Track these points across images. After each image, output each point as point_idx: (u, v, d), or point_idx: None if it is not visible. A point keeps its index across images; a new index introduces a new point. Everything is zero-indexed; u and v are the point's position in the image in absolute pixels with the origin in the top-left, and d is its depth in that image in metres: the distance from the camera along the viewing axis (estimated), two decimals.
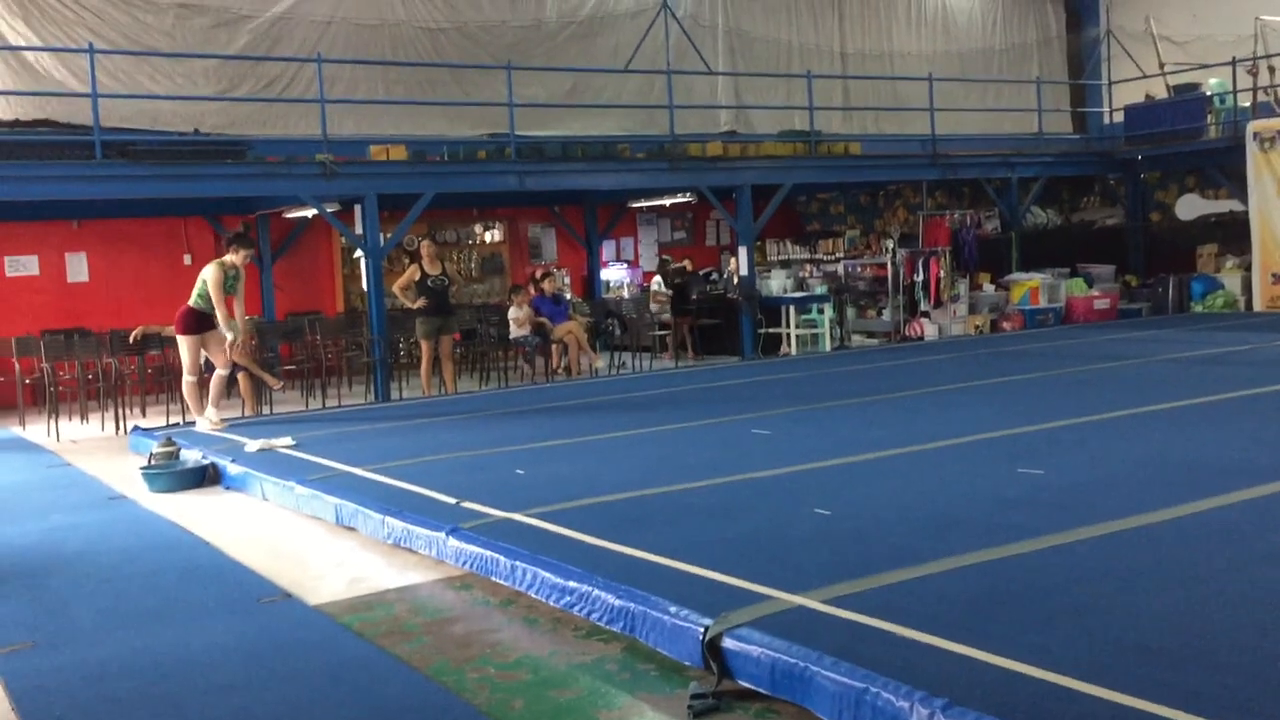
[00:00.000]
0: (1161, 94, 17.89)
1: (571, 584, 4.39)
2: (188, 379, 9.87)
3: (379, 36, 14.81)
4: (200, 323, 9.62)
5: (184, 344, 9.72)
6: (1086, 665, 3.24)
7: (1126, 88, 18.79)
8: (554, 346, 13.70)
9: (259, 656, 4.29)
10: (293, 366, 13.23)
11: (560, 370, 13.66)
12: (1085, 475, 5.94)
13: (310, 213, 13.41)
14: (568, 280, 17.56)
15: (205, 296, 9.56)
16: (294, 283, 15.61)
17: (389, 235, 13.01)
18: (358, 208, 12.14)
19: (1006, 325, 15.63)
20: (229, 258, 9.70)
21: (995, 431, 7.30)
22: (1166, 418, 7.60)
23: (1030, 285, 16.13)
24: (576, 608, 4.35)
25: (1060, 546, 4.54)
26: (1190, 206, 17.50)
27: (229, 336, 9.64)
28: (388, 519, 5.80)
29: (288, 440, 8.53)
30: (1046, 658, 3.30)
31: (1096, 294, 16.41)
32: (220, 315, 9.47)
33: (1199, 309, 16.19)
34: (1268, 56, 17.05)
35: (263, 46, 14.09)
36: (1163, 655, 3.34)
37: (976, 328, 15.45)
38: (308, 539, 6.27)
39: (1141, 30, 19.08)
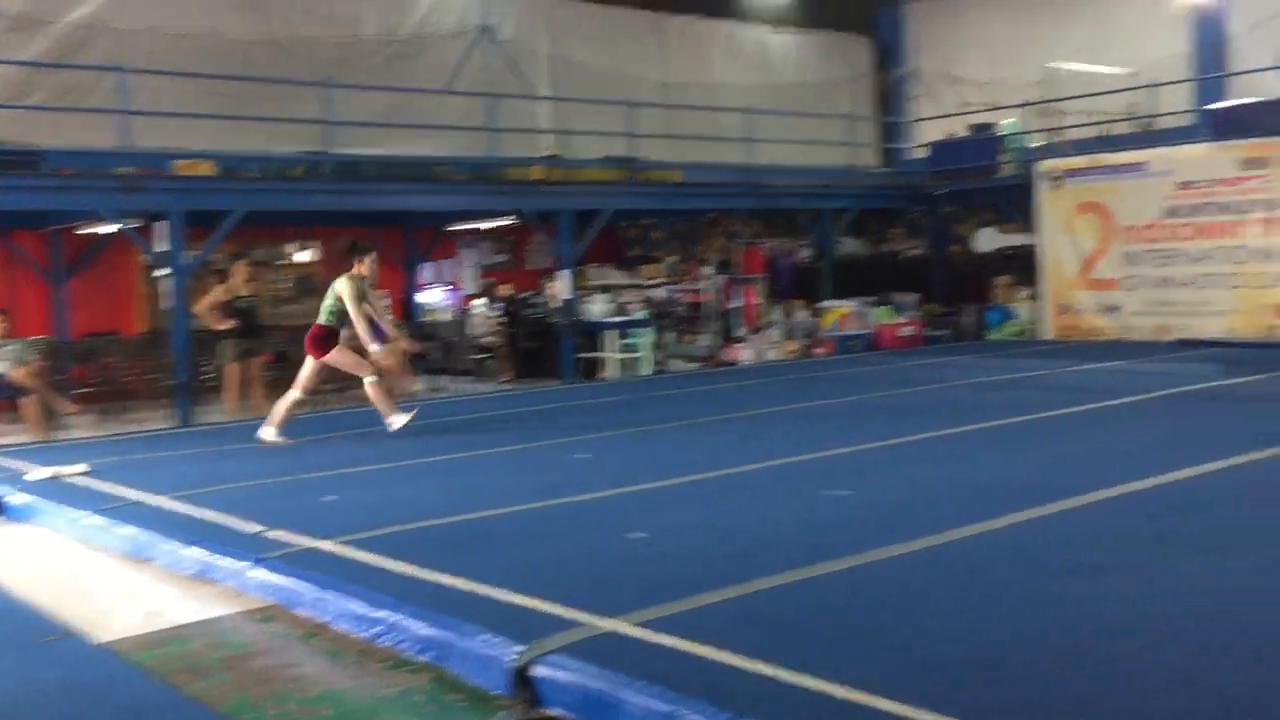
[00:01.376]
0: (962, 133, 18.86)
1: (378, 614, 4.28)
2: (297, 395, 9.32)
3: (186, 46, 14.26)
4: (330, 341, 9.21)
5: (315, 366, 9.23)
6: (887, 681, 3.34)
7: (932, 124, 19.74)
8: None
9: (40, 699, 4.01)
10: (89, 389, 12.53)
11: None
12: (891, 496, 6.16)
13: (112, 228, 12.76)
14: (387, 303, 17.22)
15: (336, 313, 9.13)
16: (93, 301, 14.82)
17: (198, 252, 12.49)
18: (162, 224, 11.62)
19: (819, 351, 16.13)
20: (356, 269, 9.21)
21: (806, 454, 7.49)
22: (965, 440, 7.96)
23: (841, 312, 16.70)
24: (383, 638, 4.24)
25: (865, 565, 4.68)
26: (988, 240, 18.52)
27: (376, 348, 9.25)
28: (187, 549, 5.54)
29: (81, 467, 8.06)
30: (850, 675, 3.39)
31: (902, 321, 17.13)
32: (361, 329, 9.05)
33: (994, 336, 17.08)
34: (1055, 100, 18.19)
35: (61, 54, 13.38)
36: (957, 669, 3.47)
37: (791, 353, 15.89)
38: (99, 573, 5.92)
39: (943, 72, 20.12)
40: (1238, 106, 15.79)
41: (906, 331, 17.00)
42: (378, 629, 4.26)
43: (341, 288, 9.10)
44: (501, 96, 15.42)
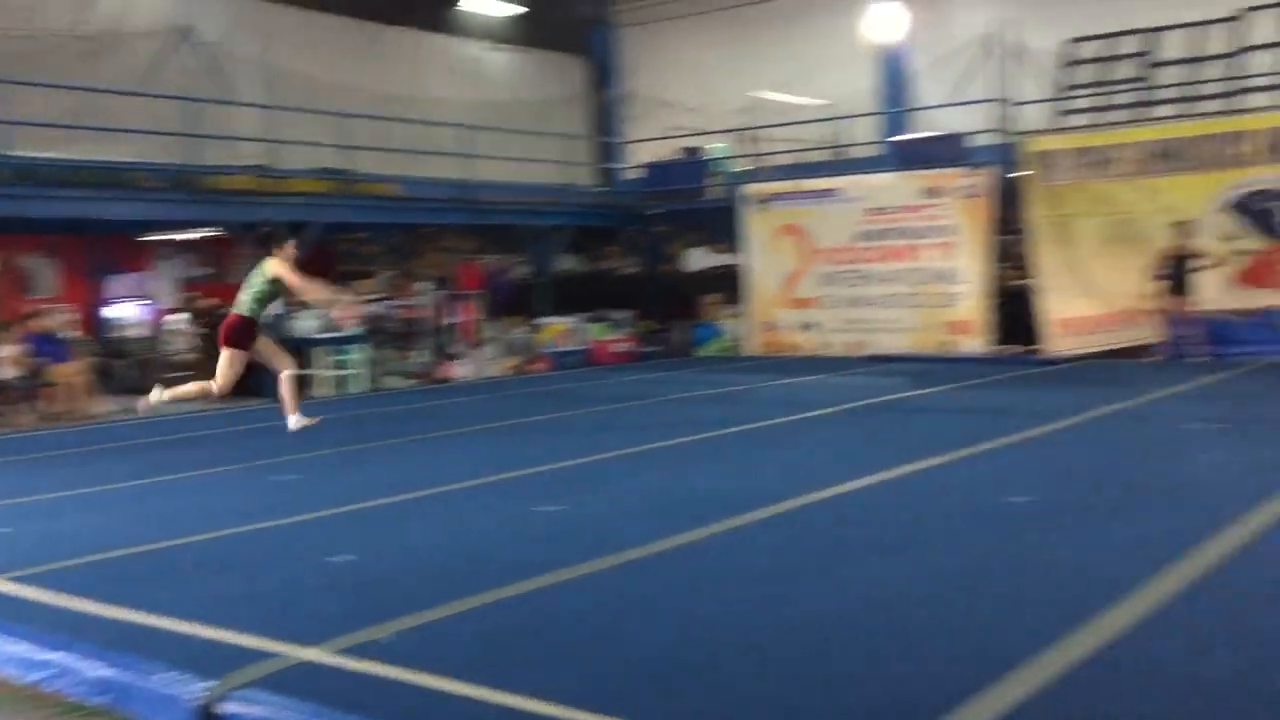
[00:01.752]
0: (674, 155, 19.50)
1: (47, 655, 3.92)
2: (219, 387, 8.62)
3: None
4: (250, 332, 8.50)
5: (234, 358, 8.56)
6: (593, 694, 3.36)
7: (646, 146, 20.31)
8: (52, 389, 12.37)
9: None
10: None
11: (60, 415, 12.35)
12: (602, 509, 6.25)
13: None
14: (76, 318, 15.94)
15: (262, 300, 8.53)
16: None
17: None
18: None
19: (536, 367, 16.22)
20: (287, 250, 8.62)
21: (520, 470, 7.49)
22: (675, 453, 8.19)
23: (558, 329, 16.88)
24: (54, 682, 3.89)
25: (574, 580, 4.72)
26: (698, 259, 19.24)
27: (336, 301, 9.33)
28: None
29: None
30: (554, 691, 3.39)
31: (617, 337, 17.50)
32: (316, 294, 8.99)
33: (704, 352, 17.75)
34: (759, 127, 19.12)
35: None
36: (664, 677, 3.54)
37: (509, 369, 15.89)
38: None
39: (657, 95, 20.75)
40: (918, 139, 17.13)
41: (621, 348, 17.38)
42: (47, 672, 3.90)
43: (276, 266, 8.52)
44: (202, 101, 14.63)
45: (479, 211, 16.82)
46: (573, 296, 17.96)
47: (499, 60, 21.17)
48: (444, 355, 15.66)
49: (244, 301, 8.62)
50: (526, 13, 20.68)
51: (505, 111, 19.98)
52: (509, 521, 5.99)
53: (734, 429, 9.21)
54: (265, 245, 8.84)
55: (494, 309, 16.53)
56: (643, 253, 19.56)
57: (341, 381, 14.33)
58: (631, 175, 20.65)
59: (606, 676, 3.56)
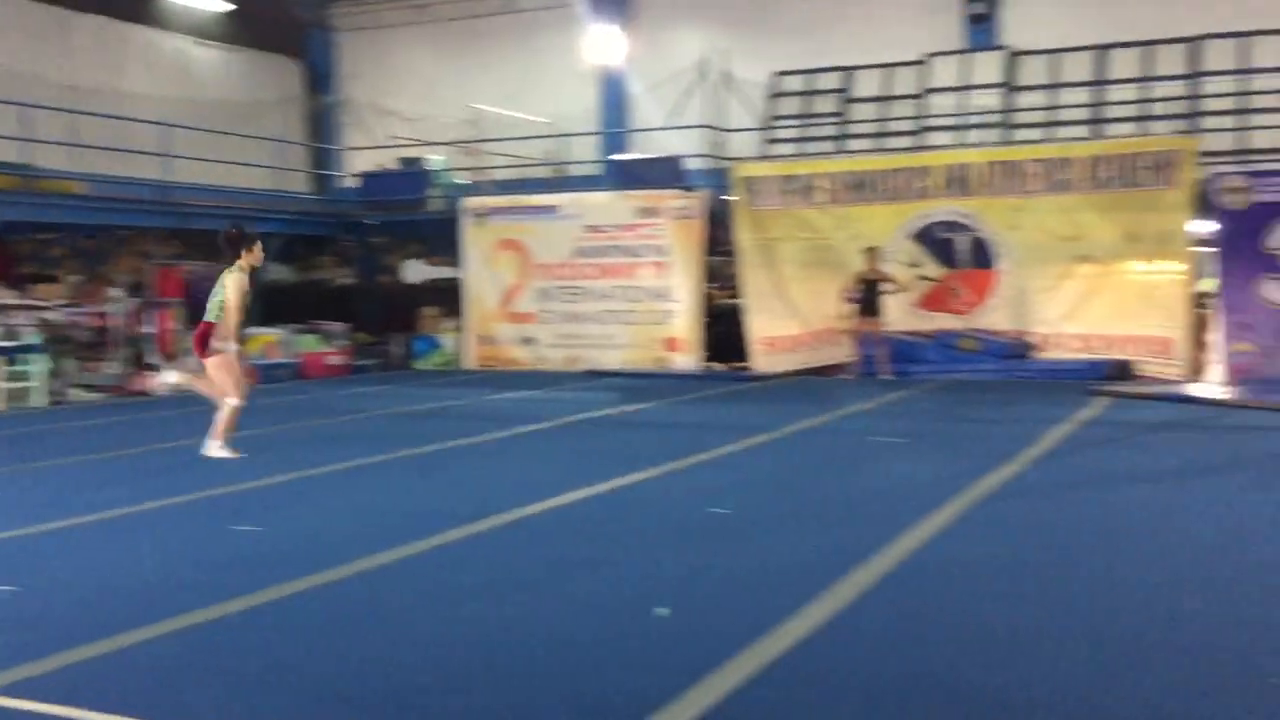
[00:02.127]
0: (393, 165, 19.14)
1: None
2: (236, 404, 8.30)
3: None
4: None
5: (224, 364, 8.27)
6: None
7: (364, 155, 19.82)
8: None
9: None
10: None
11: None
12: (303, 528, 6.00)
13: None
14: None
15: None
16: None
17: None
18: None
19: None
20: (245, 259, 8.41)
21: (219, 488, 7.09)
22: (385, 469, 7.99)
23: (267, 340, 16.15)
24: None
25: (269, 603, 4.49)
26: (416, 271, 18.94)
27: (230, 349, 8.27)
28: None
29: None
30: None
31: (331, 350, 16.94)
32: (232, 325, 8.24)
33: (422, 366, 17.48)
34: (481, 140, 19.08)
35: None
36: (363, 702, 3.42)
37: None
38: None
39: (374, 104, 20.30)
40: (636, 160, 17.58)
41: (335, 360, 16.85)
42: None
43: (229, 281, 8.09)
44: None
45: (179, 215, 15.90)
46: (283, 307, 17.24)
47: (206, 57, 20.12)
48: (139, 366, 14.65)
49: (210, 309, 8.42)
50: (237, 10, 19.75)
51: (212, 111, 19.00)
52: (203, 544, 5.64)
53: (449, 444, 9.10)
54: (233, 248, 8.51)
55: (194, 318, 15.60)
56: (359, 263, 19.06)
57: (18, 395, 13.13)
58: (349, 184, 20.10)
59: (301, 703, 3.40)
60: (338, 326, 17.44)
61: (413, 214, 18.14)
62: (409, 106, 20.57)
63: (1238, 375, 13.28)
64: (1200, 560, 5.04)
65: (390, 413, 11.69)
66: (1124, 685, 3.44)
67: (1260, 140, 16.02)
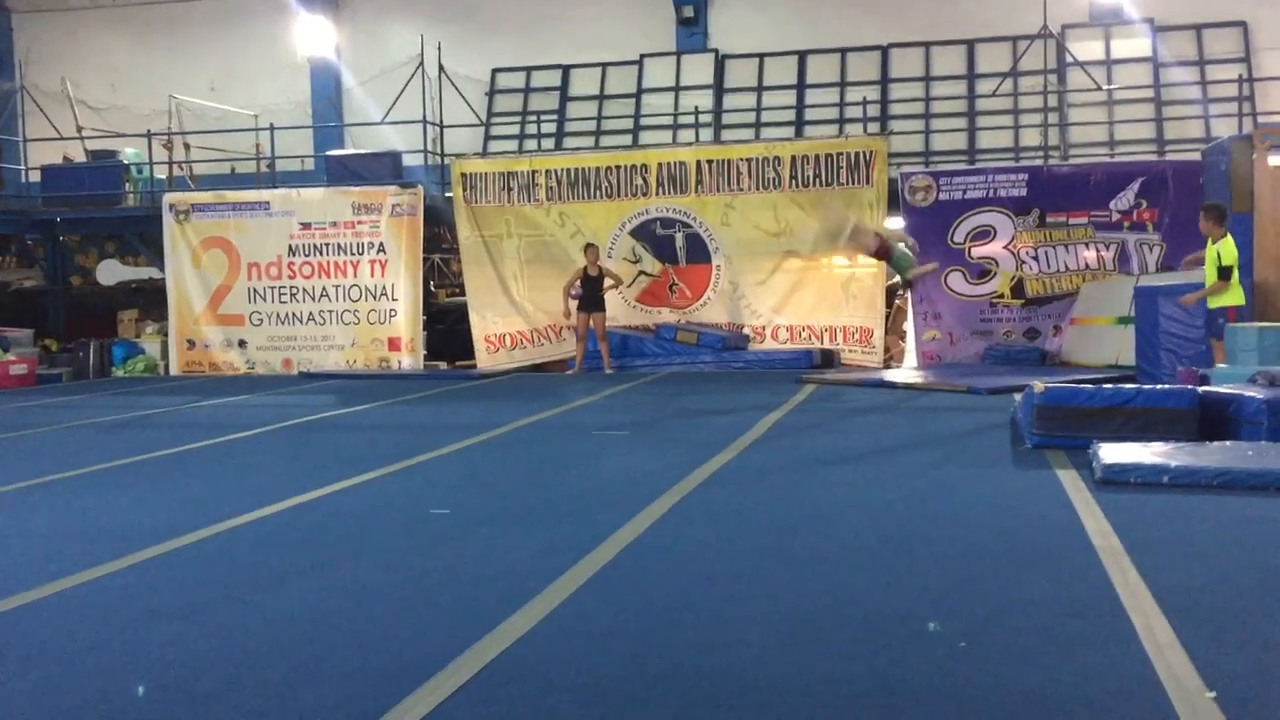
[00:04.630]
0: (80, 158, 17.77)
1: None
2: None
3: None
4: None
5: None
6: None
7: (44, 148, 18.29)
8: None
9: None
10: None
11: None
12: None
13: None
14: None
15: None
16: None
17: None
18: None
19: None
20: None
21: None
22: (78, 484, 7.37)
23: None
24: None
25: None
26: (112, 272, 17.67)
27: None
28: None
29: None
30: None
31: (12, 359, 15.52)
32: None
33: (121, 373, 16.32)
34: (182, 133, 18.01)
35: None
36: None
37: None
38: None
39: (58, 91, 18.79)
40: (351, 155, 17.07)
41: (18, 370, 15.44)
42: None
43: None
44: None
45: None
46: None
47: None
48: None
49: None
50: None
51: None
52: None
53: (150, 455, 8.50)
54: None
55: None
56: (44, 264, 17.58)
57: None
58: (29, 179, 18.50)
59: None
60: (21, 333, 16.01)
61: (106, 210, 16.89)
62: (99, 96, 19.17)
63: (927, 360, 14.36)
64: (897, 534, 5.36)
65: (83, 424, 10.83)
66: (830, 658, 3.60)
67: (942, 142, 17.38)
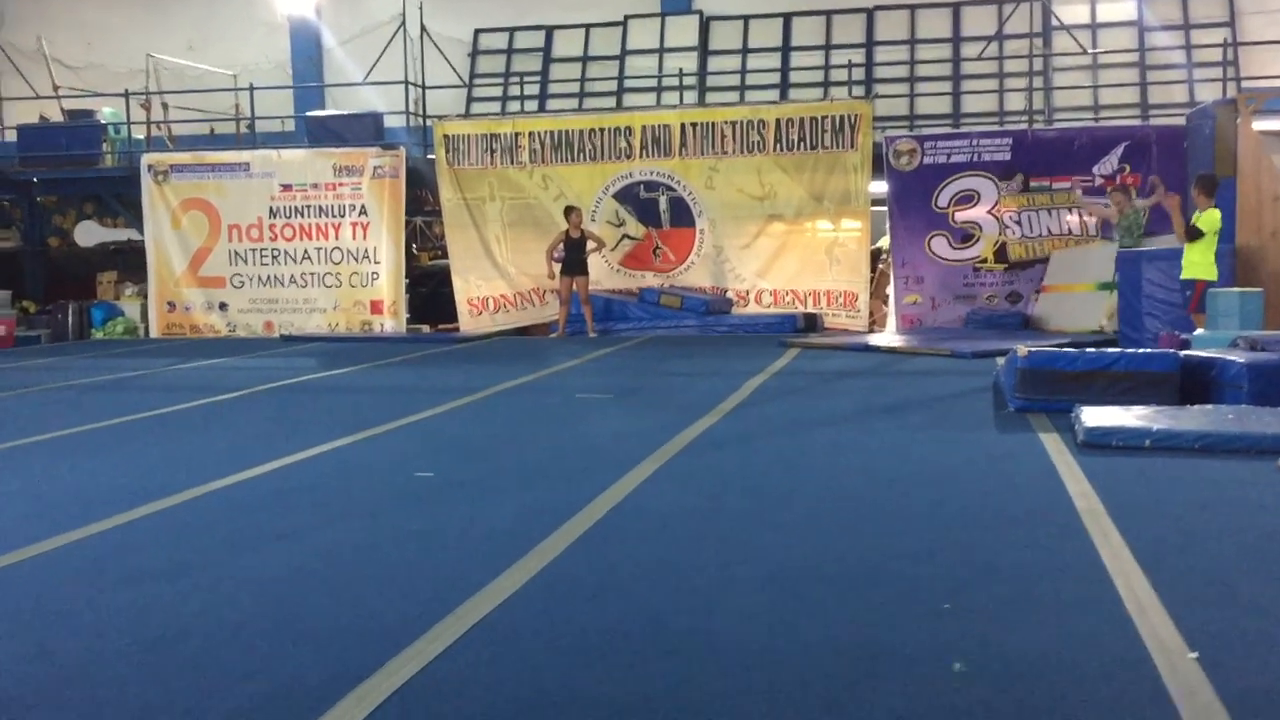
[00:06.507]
0: (57, 117, 17.54)
1: None
2: None
3: None
4: None
5: None
6: None
7: (20, 106, 18.04)
8: None
9: None
10: None
11: None
12: None
13: None
14: None
15: None
16: None
17: None
18: None
19: None
20: None
21: None
22: (55, 446, 7.32)
23: None
24: None
25: None
26: (90, 233, 17.48)
27: None
28: None
29: None
30: None
31: None
32: None
33: (100, 335, 16.20)
34: (160, 93, 17.78)
35: None
36: (11, 705, 3.09)
37: None
38: None
39: (34, 49, 18.51)
40: (332, 116, 16.90)
41: None
42: None
43: None
44: None
45: None
46: None
47: None
48: None
49: None
50: None
51: None
52: None
53: (130, 418, 8.45)
54: None
55: None
56: (24, 225, 17.38)
57: None
58: (9, 138, 18.25)
59: None
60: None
61: (84, 171, 16.69)
62: (75, 55, 18.90)
63: (906, 325, 14.38)
64: (880, 496, 5.38)
65: (62, 386, 10.75)
66: (814, 619, 3.61)
67: (926, 106, 17.31)
